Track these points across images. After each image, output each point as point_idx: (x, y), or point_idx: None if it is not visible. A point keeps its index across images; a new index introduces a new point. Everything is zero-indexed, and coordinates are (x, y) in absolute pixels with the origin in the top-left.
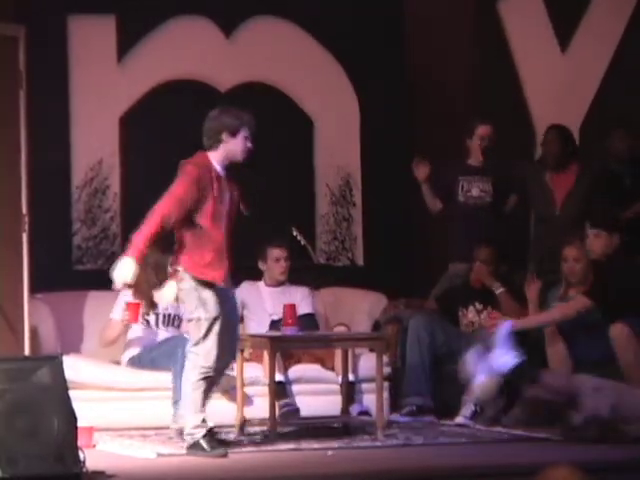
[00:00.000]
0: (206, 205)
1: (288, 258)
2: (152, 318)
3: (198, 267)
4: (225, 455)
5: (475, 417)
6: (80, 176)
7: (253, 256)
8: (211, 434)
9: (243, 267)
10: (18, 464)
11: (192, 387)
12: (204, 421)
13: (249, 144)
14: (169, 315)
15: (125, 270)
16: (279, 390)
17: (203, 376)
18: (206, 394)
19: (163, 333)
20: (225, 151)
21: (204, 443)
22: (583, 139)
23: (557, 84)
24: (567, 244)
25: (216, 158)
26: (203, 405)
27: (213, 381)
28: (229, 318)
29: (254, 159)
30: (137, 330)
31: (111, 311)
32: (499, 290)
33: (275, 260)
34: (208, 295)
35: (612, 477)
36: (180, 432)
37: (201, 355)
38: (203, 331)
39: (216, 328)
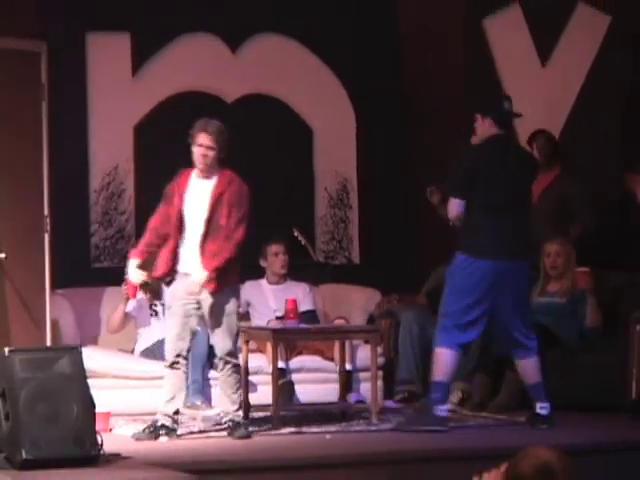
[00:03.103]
0: (171, 211)
1: (286, 252)
2: (159, 309)
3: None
4: (152, 439)
5: (462, 403)
6: (97, 181)
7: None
8: (155, 421)
9: (248, 265)
10: (40, 447)
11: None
12: (168, 404)
13: (201, 151)
14: None
15: (130, 268)
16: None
17: (165, 365)
18: (170, 383)
19: None
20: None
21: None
22: (562, 146)
23: (538, 95)
24: (549, 240)
25: (196, 171)
26: (169, 392)
27: (178, 370)
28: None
29: (257, 165)
30: (147, 323)
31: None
32: None
33: (274, 255)
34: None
35: (593, 459)
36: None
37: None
38: None
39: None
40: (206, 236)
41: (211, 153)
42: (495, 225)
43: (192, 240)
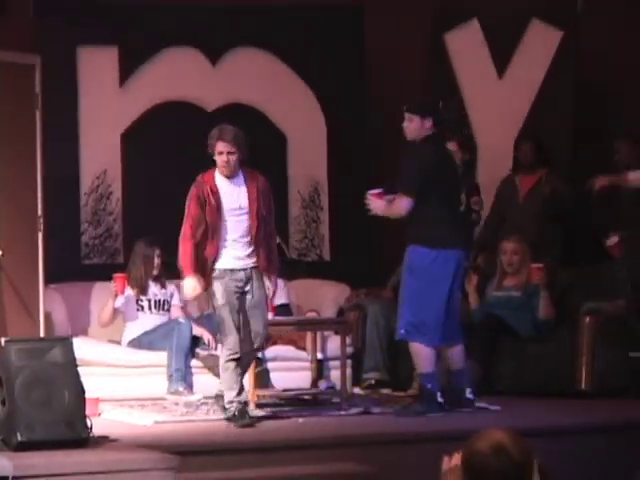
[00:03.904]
0: (206, 212)
1: None
2: (145, 304)
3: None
4: (251, 425)
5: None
6: (87, 184)
7: None
8: (243, 407)
9: None
10: (35, 430)
11: (221, 369)
12: (239, 394)
13: (223, 157)
14: (159, 300)
15: (188, 286)
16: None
17: (227, 358)
18: (236, 373)
19: (155, 317)
20: (218, 167)
21: (235, 415)
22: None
23: (495, 105)
24: (506, 239)
25: (218, 173)
26: (235, 382)
27: (240, 362)
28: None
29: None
30: (134, 317)
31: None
32: None
33: None
34: (215, 287)
35: (544, 440)
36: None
37: (223, 340)
38: (219, 320)
39: (225, 315)
40: (258, 229)
41: (233, 157)
42: (448, 217)
43: (235, 236)
